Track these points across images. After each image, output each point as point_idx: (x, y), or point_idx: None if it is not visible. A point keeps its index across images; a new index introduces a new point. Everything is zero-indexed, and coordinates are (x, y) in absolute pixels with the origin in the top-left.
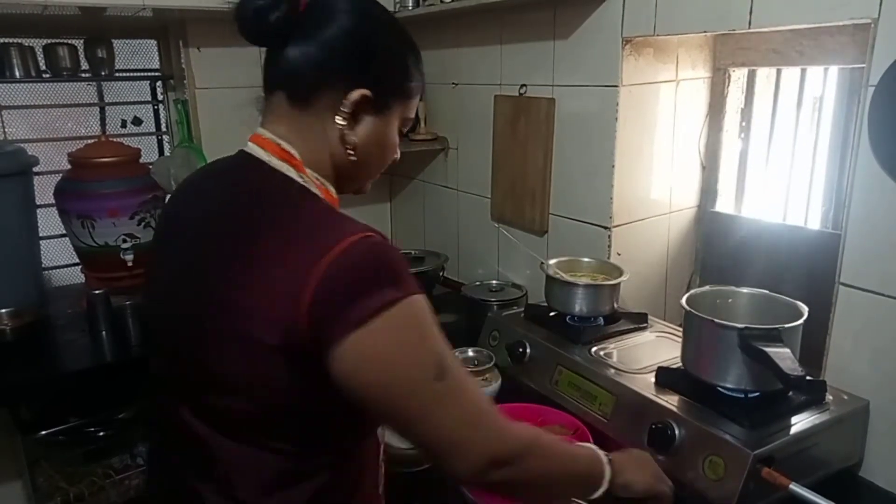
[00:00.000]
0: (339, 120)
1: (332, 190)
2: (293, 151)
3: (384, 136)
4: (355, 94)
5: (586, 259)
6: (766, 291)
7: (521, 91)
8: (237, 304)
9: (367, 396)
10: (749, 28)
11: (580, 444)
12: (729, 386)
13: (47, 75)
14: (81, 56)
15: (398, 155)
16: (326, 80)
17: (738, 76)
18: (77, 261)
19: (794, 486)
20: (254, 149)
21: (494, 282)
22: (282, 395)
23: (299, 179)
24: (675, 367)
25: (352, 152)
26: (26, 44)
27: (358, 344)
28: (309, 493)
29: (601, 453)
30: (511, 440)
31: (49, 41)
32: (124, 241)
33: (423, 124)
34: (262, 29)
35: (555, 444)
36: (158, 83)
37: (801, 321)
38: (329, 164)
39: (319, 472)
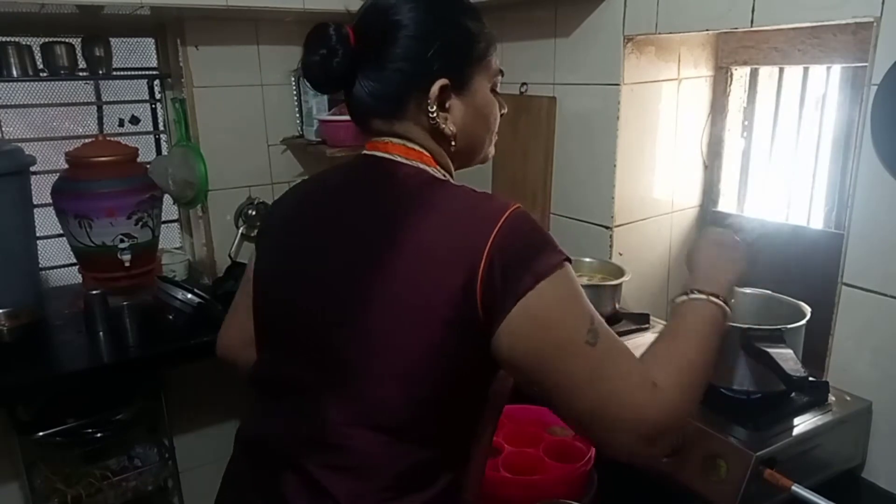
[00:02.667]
0: (432, 116)
1: (453, 174)
2: (421, 149)
3: (479, 107)
4: (434, 89)
5: (588, 259)
6: (769, 292)
7: (522, 90)
8: (411, 280)
9: (528, 362)
10: (751, 27)
11: (687, 310)
12: (731, 387)
13: (44, 74)
14: (79, 55)
15: (504, 109)
16: (405, 91)
17: (741, 75)
18: (74, 261)
19: (796, 488)
20: (379, 153)
21: None
22: (438, 372)
23: (437, 173)
24: None
25: (454, 142)
26: (23, 42)
27: (529, 306)
28: (431, 496)
29: (707, 307)
30: (669, 404)
31: (46, 40)
32: (122, 241)
33: None
34: (332, 78)
35: (696, 360)
36: (156, 82)
37: (803, 322)
38: (446, 155)
39: (445, 474)
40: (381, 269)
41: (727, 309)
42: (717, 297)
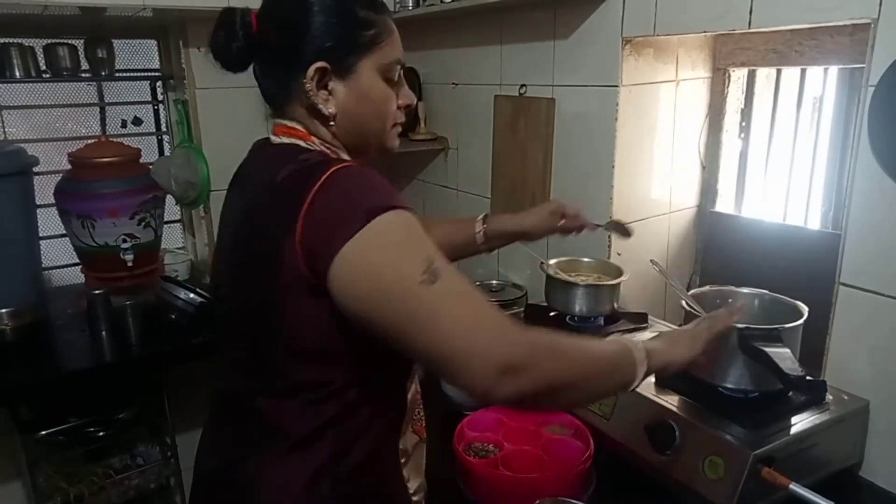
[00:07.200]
0: (311, 97)
1: (345, 155)
2: (297, 126)
3: (365, 93)
4: (311, 71)
5: (586, 259)
6: (766, 291)
7: (521, 91)
8: (247, 250)
9: (365, 311)
10: (749, 28)
11: (610, 339)
12: (729, 386)
13: (47, 75)
14: (81, 56)
15: (409, 101)
16: (287, 74)
17: (738, 76)
18: (77, 261)
19: (794, 486)
20: (273, 137)
21: (494, 282)
22: (303, 338)
23: (303, 144)
24: None
25: (332, 123)
26: (26, 44)
27: (347, 257)
28: (325, 453)
29: (632, 343)
30: (520, 344)
31: (49, 41)
32: (124, 241)
33: (422, 124)
34: (232, 60)
35: (573, 344)
36: (158, 83)
37: (801, 321)
38: (330, 135)
39: (328, 430)
40: (237, 243)
41: (641, 364)
42: (650, 362)
